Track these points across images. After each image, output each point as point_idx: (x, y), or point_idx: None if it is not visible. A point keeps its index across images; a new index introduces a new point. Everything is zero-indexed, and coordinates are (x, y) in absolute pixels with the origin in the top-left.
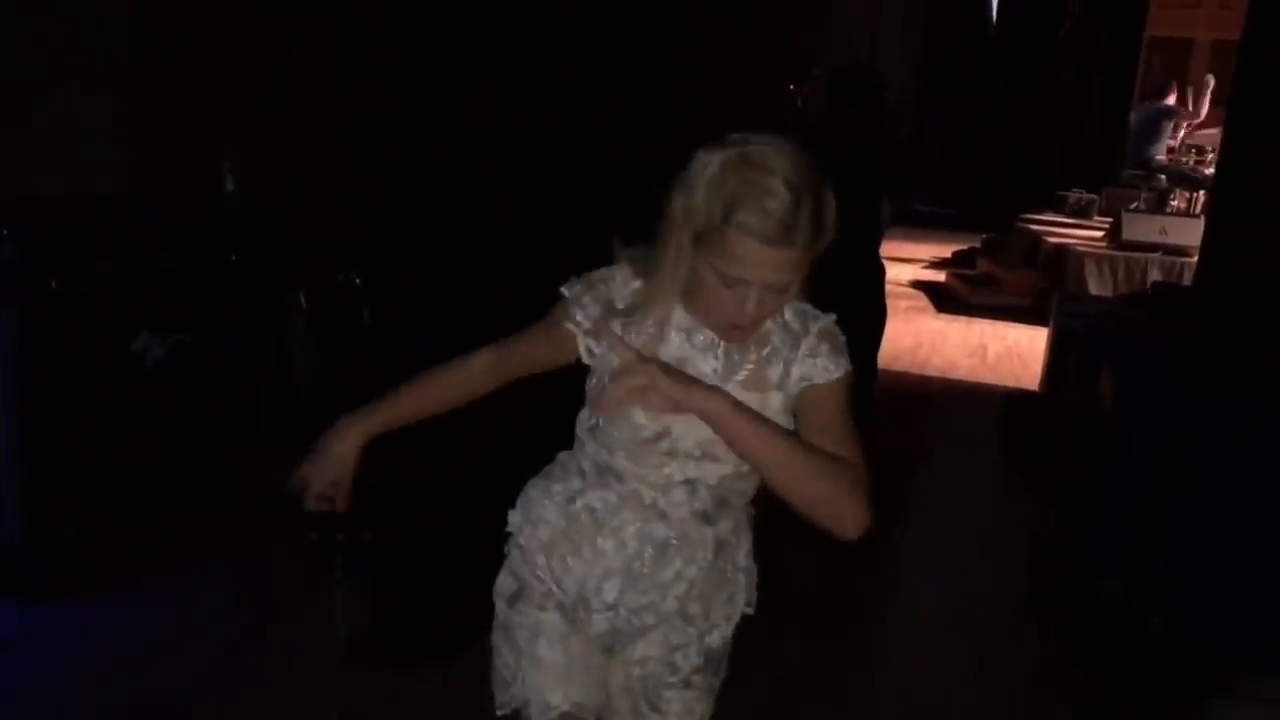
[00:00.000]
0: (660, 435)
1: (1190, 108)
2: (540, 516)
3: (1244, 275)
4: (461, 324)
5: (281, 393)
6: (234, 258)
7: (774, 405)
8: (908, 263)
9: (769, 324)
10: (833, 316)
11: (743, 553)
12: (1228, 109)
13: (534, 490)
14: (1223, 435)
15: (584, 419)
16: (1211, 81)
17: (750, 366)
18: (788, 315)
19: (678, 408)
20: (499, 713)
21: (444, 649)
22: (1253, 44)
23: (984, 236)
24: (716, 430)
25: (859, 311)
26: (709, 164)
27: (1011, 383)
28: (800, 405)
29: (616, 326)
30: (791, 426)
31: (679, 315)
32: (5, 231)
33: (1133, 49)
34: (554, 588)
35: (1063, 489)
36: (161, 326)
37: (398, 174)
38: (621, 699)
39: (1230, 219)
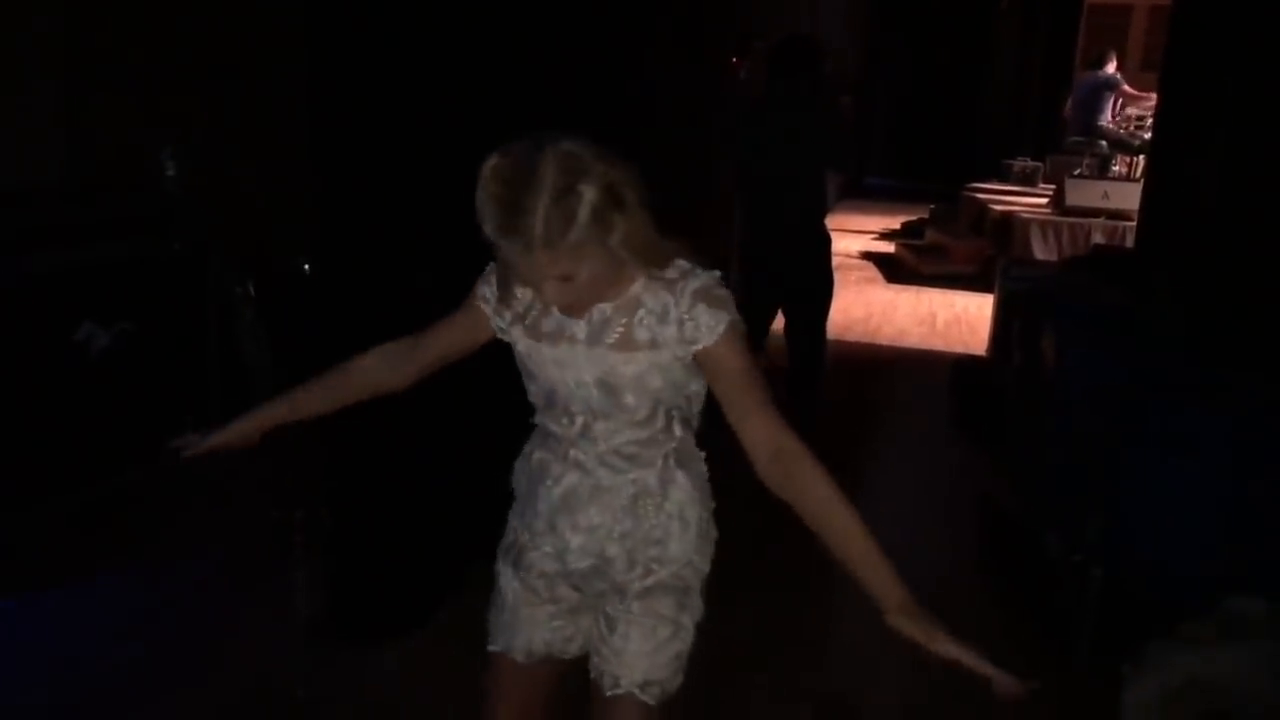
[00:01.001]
0: (550, 395)
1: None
2: (518, 474)
3: (1179, 236)
4: (404, 308)
5: (230, 380)
6: (177, 246)
7: (640, 364)
8: (857, 234)
9: (637, 288)
10: (713, 274)
11: (671, 503)
12: (1161, 73)
13: (522, 453)
14: (1157, 390)
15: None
16: None
17: (620, 330)
18: (670, 274)
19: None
20: (489, 648)
21: (402, 624)
22: (1182, 9)
23: (932, 206)
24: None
25: (805, 281)
26: (478, 179)
27: (960, 349)
28: (705, 370)
29: (518, 306)
30: (661, 384)
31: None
32: None
33: (1072, 16)
34: (527, 536)
35: (1009, 449)
36: (105, 316)
37: (334, 158)
38: (593, 635)
39: (1166, 181)
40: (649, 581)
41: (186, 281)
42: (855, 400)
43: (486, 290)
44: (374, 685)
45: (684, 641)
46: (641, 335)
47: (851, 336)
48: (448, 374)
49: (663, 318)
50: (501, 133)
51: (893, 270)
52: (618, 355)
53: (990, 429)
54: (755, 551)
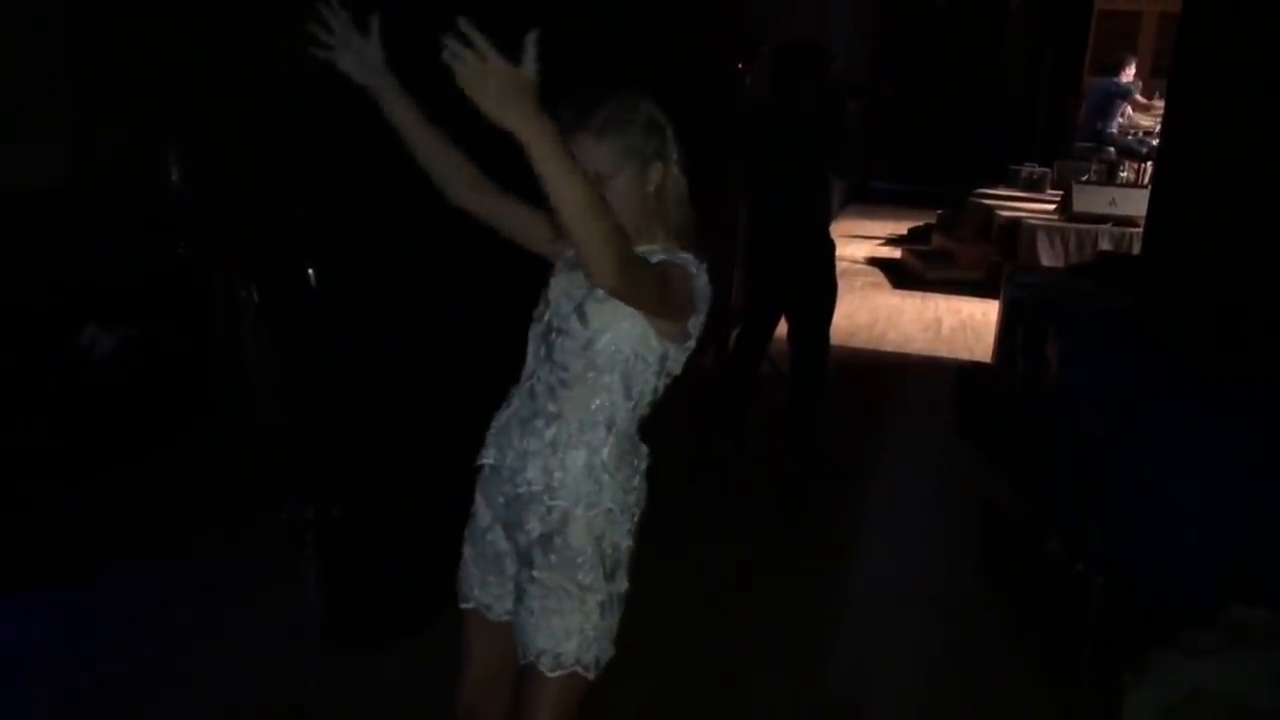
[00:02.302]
0: (545, 327)
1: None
2: (494, 429)
3: (1185, 241)
4: (410, 311)
5: (234, 383)
6: (182, 250)
7: (615, 308)
8: (864, 240)
9: (654, 249)
10: (686, 256)
11: (585, 453)
12: (1169, 80)
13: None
14: (1161, 397)
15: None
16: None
17: None
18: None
19: (495, 117)
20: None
21: (409, 626)
22: (1190, 16)
23: (939, 212)
24: (527, 149)
25: (809, 288)
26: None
27: (965, 355)
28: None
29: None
30: (627, 335)
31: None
32: None
33: (1082, 23)
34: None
35: (1012, 456)
36: (109, 320)
37: (338, 163)
38: (522, 617)
39: (1172, 188)
40: (545, 529)
41: (191, 285)
42: (859, 406)
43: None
44: (377, 688)
45: (587, 613)
46: None
47: (856, 342)
48: (461, 379)
49: None
50: (503, 138)
51: (898, 276)
52: (611, 304)
53: (994, 436)
54: (755, 560)
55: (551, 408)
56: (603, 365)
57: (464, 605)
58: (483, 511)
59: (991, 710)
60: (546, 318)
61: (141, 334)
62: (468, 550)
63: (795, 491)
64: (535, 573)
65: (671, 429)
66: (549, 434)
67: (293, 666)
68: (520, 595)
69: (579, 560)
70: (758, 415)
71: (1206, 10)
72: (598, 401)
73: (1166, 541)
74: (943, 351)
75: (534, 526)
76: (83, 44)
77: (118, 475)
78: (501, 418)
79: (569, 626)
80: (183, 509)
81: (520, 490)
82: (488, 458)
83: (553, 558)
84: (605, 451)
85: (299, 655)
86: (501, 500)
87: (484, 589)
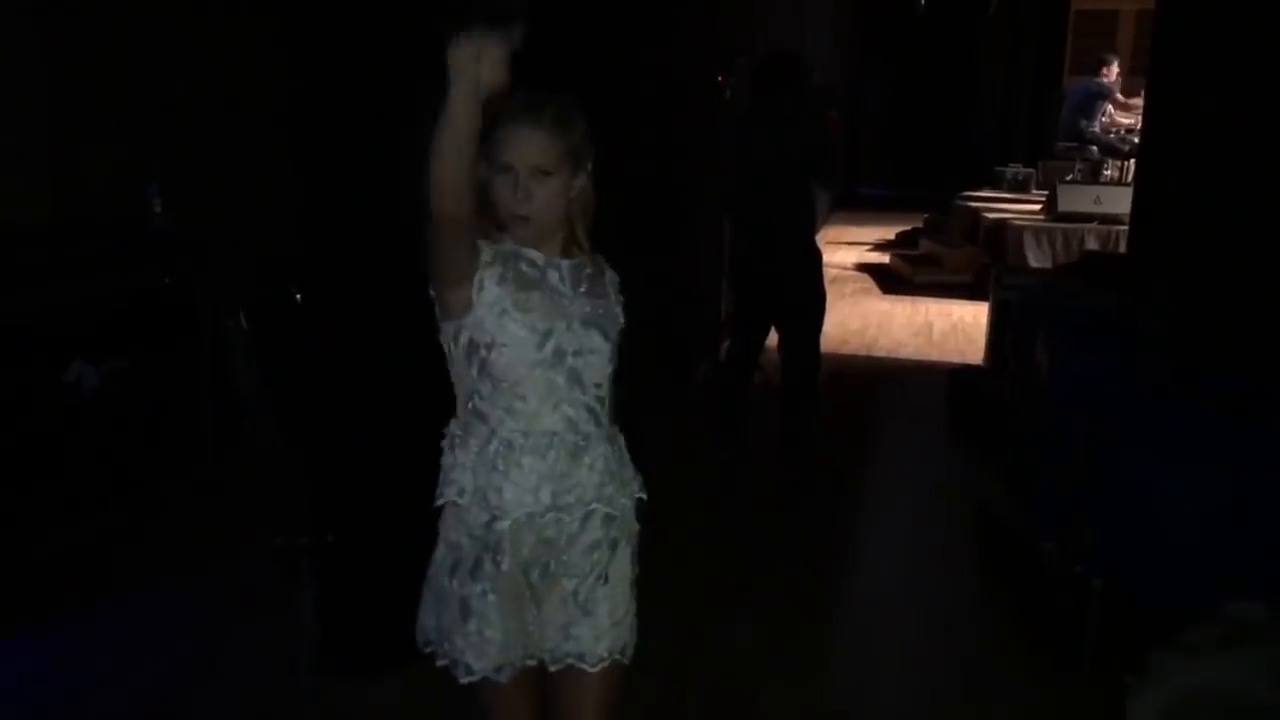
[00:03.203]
0: (544, 337)
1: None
2: (466, 473)
3: (1170, 238)
4: (400, 336)
5: (223, 411)
6: (166, 280)
7: (616, 310)
8: (852, 246)
9: (576, 254)
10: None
11: (624, 451)
12: (1148, 77)
13: (449, 462)
14: (1151, 395)
15: (471, 378)
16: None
17: (586, 281)
18: (587, 258)
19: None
20: (424, 650)
21: (406, 653)
22: (1167, 13)
23: (925, 216)
24: (452, 79)
25: (798, 298)
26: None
27: (957, 358)
28: None
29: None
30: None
31: (525, 251)
32: None
33: (1060, 23)
34: (492, 522)
35: (1006, 457)
36: (95, 354)
37: (321, 187)
38: (549, 629)
39: (1155, 185)
40: (610, 536)
41: (177, 315)
42: (853, 413)
43: (486, 251)
44: (375, 715)
45: (633, 596)
46: (598, 287)
47: (848, 349)
48: (439, 404)
49: (604, 279)
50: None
51: (888, 281)
52: (596, 301)
53: (988, 438)
54: (753, 568)
55: (594, 426)
56: (614, 369)
57: (497, 677)
58: (507, 564)
59: (992, 714)
60: (549, 349)
61: (129, 366)
62: (492, 617)
63: (791, 499)
64: (594, 581)
65: (667, 440)
66: (600, 450)
67: (290, 695)
68: (541, 603)
69: (629, 553)
70: (751, 425)
71: (1183, 7)
72: (611, 399)
73: (1162, 541)
74: (934, 355)
75: (599, 539)
76: (62, 76)
77: (109, 509)
78: (532, 472)
79: (615, 619)
80: (176, 539)
81: (575, 518)
82: (527, 507)
83: (614, 560)
84: (622, 442)
85: (296, 683)
86: (534, 540)
87: (511, 647)
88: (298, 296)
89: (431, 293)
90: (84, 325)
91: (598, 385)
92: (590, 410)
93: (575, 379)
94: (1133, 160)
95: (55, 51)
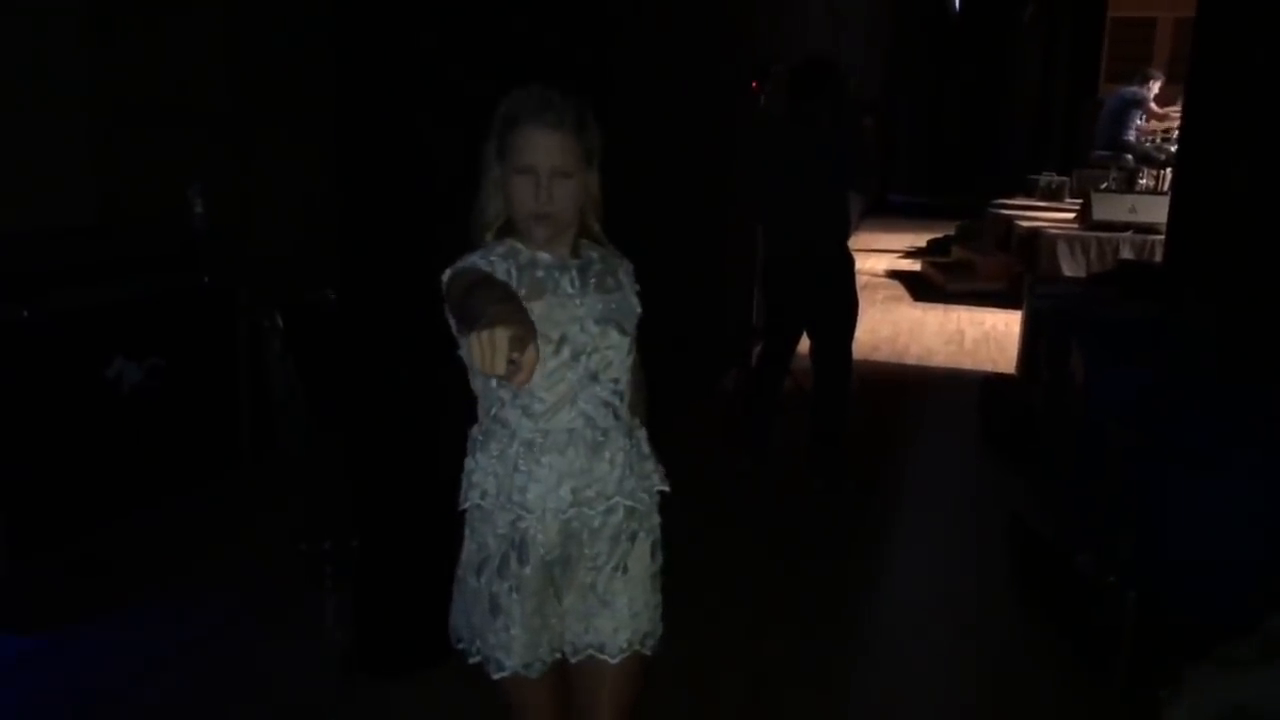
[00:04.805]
0: (559, 342)
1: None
2: (489, 476)
3: (1208, 249)
4: (432, 342)
5: (258, 412)
6: (206, 280)
7: (632, 301)
8: (883, 253)
9: (586, 248)
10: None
11: (644, 445)
12: (1185, 86)
13: (471, 466)
14: (1188, 406)
15: (491, 388)
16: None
17: (595, 276)
18: (599, 250)
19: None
20: (457, 647)
21: (429, 658)
22: (1206, 22)
23: (958, 223)
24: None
25: (830, 304)
26: (502, 100)
27: (989, 367)
28: None
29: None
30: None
31: (538, 257)
32: None
33: (1096, 31)
34: (517, 521)
35: (1039, 467)
36: (136, 352)
37: (359, 192)
38: (570, 620)
39: (1194, 194)
40: (631, 529)
41: (215, 315)
42: (884, 421)
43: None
44: (403, 714)
45: (658, 589)
46: (611, 280)
47: (879, 356)
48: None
49: (615, 269)
50: None
51: (919, 288)
52: (609, 296)
53: (1020, 448)
54: (783, 577)
55: (613, 421)
56: (633, 362)
57: (526, 673)
58: (532, 561)
59: None
60: (565, 353)
61: (167, 364)
62: (519, 614)
63: (821, 508)
64: (612, 571)
65: (696, 448)
66: (620, 444)
67: (317, 698)
68: (562, 595)
69: (649, 545)
70: (781, 431)
71: (1222, 15)
72: (633, 394)
73: (1199, 553)
74: (966, 364)
75: (620, 531)
76: (107, 81)
77: (146, 507)
78: (553, 470)
79: (634, 610)
80: (210, 539)
81: (597, 511)
82: (550, 505)
83: (634, 552)
84: (643, 436)
85: (323, 687)
86: (558, 535)
87: (538, 642)
88: (332, 299)
89: (448, 316)
90: (125, 323)
91: (615, 380)
92: (608, 405)
93: (592, 376)
94: (1169, 169)
95: (100, 56)
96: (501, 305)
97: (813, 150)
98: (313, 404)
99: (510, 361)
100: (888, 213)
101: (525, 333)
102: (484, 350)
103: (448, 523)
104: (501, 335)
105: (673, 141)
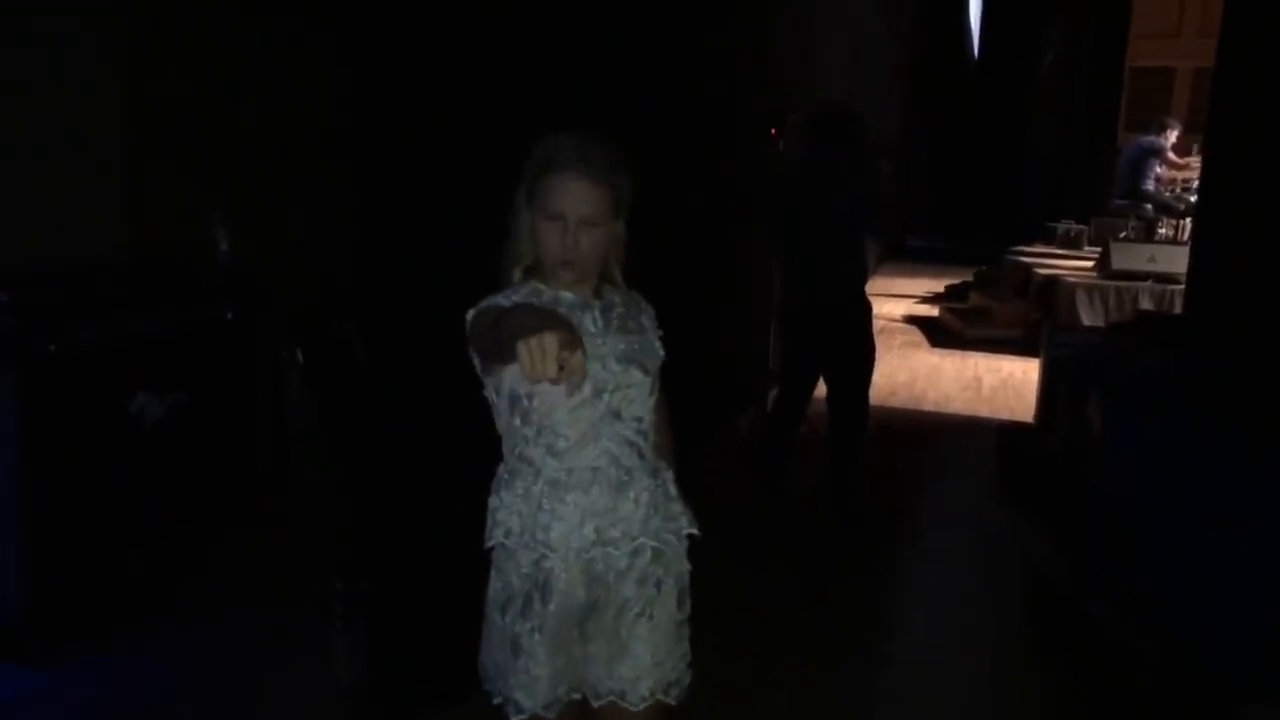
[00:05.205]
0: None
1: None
2: (513, 514)
3: (1227, 299)
4: (450, 381)
5: (276, 445)
6: (229, 315)
7: (654, 344)
8: (901, 298)
9: (609, 291)
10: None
11: (671, 488)
12: (1205, 136)
13: (495, 504)
14: (1209, 457)
15: (515, 426)
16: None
17: (617, 318)
18: (621, 294)
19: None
20: (485, 688)
21: (442, 697)
22: (1225, 72)
23: (975, 270)
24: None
25: (847, 349)
26: (536, 145)
27: (1007, 415)
28: None
29: None
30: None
31: (561, 296)
32: (5, 298)
33: (1116, 79)
34: (541, 560)
35: (1056, 518)
36: (159, 386)
37: (381, 228)
38: (593, 664)
39: (1213, 244)
40: (656, 573)
41: (237, 350)
42: (899, 467)
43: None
44: None
45: (685, 639)
46: (633, 322)
47: (895, 402)
48: (489, 445)
49: (638, 313)
50: None
51: (937, 334)
52: (630, 338)
53: (1037, 497)
54: (798, 622)
55: (637, 460)
56: (658, 400)
57: (545, 714)
58: (555, 602)
59: None
60: (587, 389)
61: (188, 398)
62: (540, 655)
63: (836, 552)
64: (635, 617)
65: (709, 488)
66: (644, 484)
67: None
68: (588, 640)
69: (676, 591)
70: (796, 476)
71: (1241, 65)
72: (658, 436)
73: (1219, 607)
74: (983, 411)
75: (646, 574)
76: (137, 118)
77: (164, 540)
78: (577, 508)
79: (657, 658)
80: (225, 574)
81: (624, 552)
82: (574, 545)
83: (660, 598)
84: (670, 477)
85: None
86: (581, 576)
87: (559, 682)
88: (353, 336)
89: (472, 356)
90: (149, 357)
91: (638, 419)
92: (632, 444)
93: (614, 413)
94: (1189, 219)
95: (131, 92)
96: (543, 316)
97: (830, 196)
98: (330, 439)
99: (559, 368)
100: (905, 258)
101: (571, 336)
102: (534, 355)
103: (464, 561)
104: (550, 338)
105: (691, 186)
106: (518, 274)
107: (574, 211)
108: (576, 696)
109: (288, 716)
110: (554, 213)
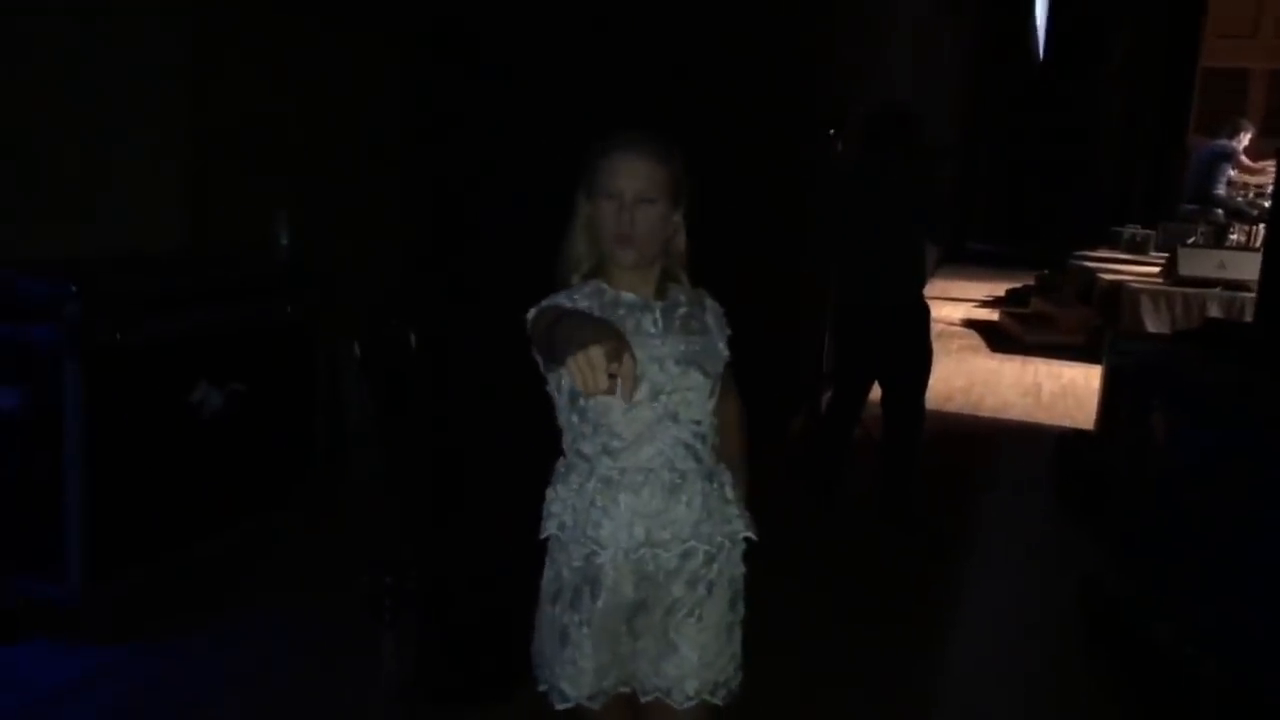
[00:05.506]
0: (638, 379)
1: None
2: (566, 508)
3: None
4: (504, 380)
5: (333, 441)
6: (289, 309)
7: (718, 345)
8: (960, 302)
9: (674, 291)
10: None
11: (728, 491)
12: None
13: (550, 496)
14: (1275, 471)
15: (574, 423)
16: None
17: (679, 319)
18: (686, 293)
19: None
20: (535, 673)
21: (489, 695)
22: None
23: (1037, 274)
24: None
25: (903, 353)
26: (593, 143)
27: (1067, 422)
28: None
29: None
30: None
31: (622, 297)
32: (73, 288)
33: (1187, 81)
34: (592, 556)
35: (1116, 530)
36: (219, 377)
37: (437, 226)
38: (642, 660)
39: None
40: (708, 575)
41: (296, 345)
42: (955, 474)
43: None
44: None
45: (737, 639)
46: (696, 322)
47: (952, 407)
48: (541, 443)
49: (701, 312)
50: None
51: (996, 339)
52: (691, 339)
53: (1097, 508)
54: (849, 633)
55: (693, 463)
56: (729, 403)
57: (590, 705)
58: (604, 599)
59: None
60: (644, 390)
61: (249, 391)
62: (587, 647)
63: (888, 560)
64: (684, 617)
65: (762, 496)
66: (698, 487)
67: None
68: (637, 636)
69: (729, 595)
70: (850, 480)
71: None
72: (724, 438)
73: None
74: (1042, 418)
75: (697, 576)
76: (205, 114)
77: (222, 531)
78: (627, 509)
79: (705, 659)
80: (279, 566)
81: (674, 553)
82: (623, 544)
83: (710, 600)
84: (728, 480)
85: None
86: (632, 575)
87: (605, 675)
88: (411, 332)
89: (534, 352)
90: (211, 349)
91: (696, 422)
92: (688, 446)
93: (671, 415)
94: (1261, 225)
95: (199, 89)
96: (591, 326)
97: (888, 198)
98: (386, 436)
99: (610, 376)
100: (966, 261)
101: (619, 345)
102: (583, 371)
103: (523, 554)
104: (597, 352)
105: (748, 186)
106: (576, 277)
107: (630, 187)
108: (625, 689)
109: (335, 710)
110: (612, 190)
